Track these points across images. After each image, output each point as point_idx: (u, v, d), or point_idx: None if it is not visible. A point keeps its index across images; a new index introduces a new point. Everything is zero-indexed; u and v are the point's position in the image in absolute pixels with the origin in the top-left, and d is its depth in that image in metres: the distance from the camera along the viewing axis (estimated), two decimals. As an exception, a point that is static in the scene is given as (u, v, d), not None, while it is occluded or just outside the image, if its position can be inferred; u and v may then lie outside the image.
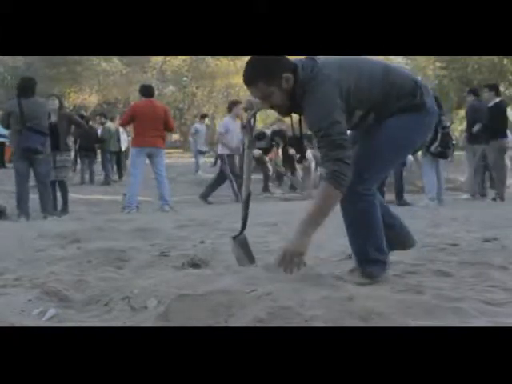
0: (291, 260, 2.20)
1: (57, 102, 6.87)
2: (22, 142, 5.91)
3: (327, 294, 2.00)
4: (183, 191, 9.94)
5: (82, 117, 12.96)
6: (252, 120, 2.69)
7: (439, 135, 7.19)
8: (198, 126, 15.35)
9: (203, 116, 16.36)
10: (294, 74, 2.27)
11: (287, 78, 2.26)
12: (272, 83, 2.25)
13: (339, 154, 2.16)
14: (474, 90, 8.72)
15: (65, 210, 6.77)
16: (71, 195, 8.52)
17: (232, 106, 8.72)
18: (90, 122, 12.79)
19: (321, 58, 2.33)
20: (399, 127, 2.34)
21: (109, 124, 12.80)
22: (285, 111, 2.40)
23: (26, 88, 6.04)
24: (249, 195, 2.60)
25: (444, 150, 7.26)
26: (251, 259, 2.58)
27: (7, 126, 6.21)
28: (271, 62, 2.28)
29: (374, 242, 2.36)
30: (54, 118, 6.58)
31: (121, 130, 12.55)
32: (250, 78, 2.29)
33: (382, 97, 2.32)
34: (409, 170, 8.61)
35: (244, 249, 2.60)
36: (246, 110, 2.70)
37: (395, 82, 2.34)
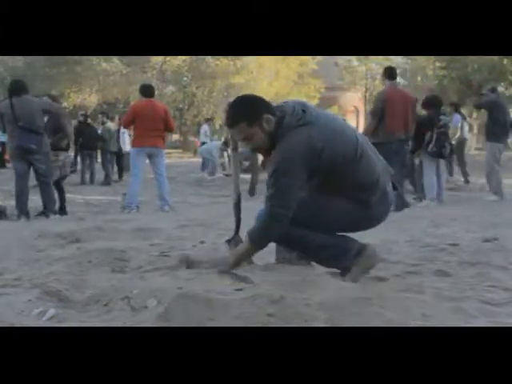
0: None
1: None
2: (15, 141, 5.92)
3: (327, 293, 2.00)
4: (183, 191, 9.93)
5: (84, 115, 13.05)
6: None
7: (434, 135, 7.19)
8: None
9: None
10: (280, 118, 2.34)
11: (267, 118, 2.34)
12: (253, 123, 2.33)
13: (281, 220, 2.30)
14: (495, 89, 8.46)
15: (63, 211, 6.71)
16: (71, 195, 8.53)
17: None
18: (89, 120, 12.79)
19: (314, 115, 2.38)
20: (337, 207, 2.42)
21: (109, 124, 12.79)
22: (266, 153, 2.45)
23: (17, 88, 6.02)
24: (239, 197, 2.63)
25: (440, 150, 7.26)
26: (249, 261, 2.59)
27: (4, 129, 6.20)
28: (251, 102, 2.40)
29: (318, 246, 2.43)
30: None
31: (124, 131, 12.49)
32: (232, 120, 2.38)
33: (343, 180, 2.39)
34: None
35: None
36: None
37: (356, 174, 2.39)
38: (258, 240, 2.37)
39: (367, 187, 2.42)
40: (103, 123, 12.76)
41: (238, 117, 2.35)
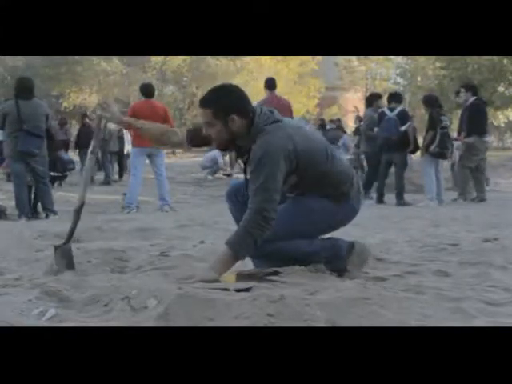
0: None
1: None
2: (18, 145, 5.87)
3: (327, 293, 2.00)
4: (183, 191, 9.94)
5: (85, 115, 13.11)
6: (103, 125, 2.71)
7: (438, 136, 7.19)
8: None
9: None
10: (250, 119, 2.35)
11: (233, 119, 2.34)
12: (218, 117, 2.33)
13: (265, 224, 2.25)
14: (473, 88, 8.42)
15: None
16: (71, 195, 8.52)
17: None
18: (87, 119, 12.83)
19: (280, 116, 2.44)
20: (317, 207, 2.44)
21: (109, 124, 12.80)
22: (219, 145, 2.48)
23: (24, 89, 5.96)
24: (82, 205, 2.61)
25: (442, 151, 7.26)
26: (71, 268, 2.59)
27: (2, 127, 6.14)
28: (229, 96, 2.38)
29: (309, 254, 2.44)
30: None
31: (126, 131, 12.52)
32: (203, 101, 2.38)
33: (317, 177, 2.41)
34: (410, 170, 8.58)
35: (66, 259, 2.60)
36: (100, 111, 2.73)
37: (332, 170, 2.44)
38: (244, 246, 2.28)
39: (346, 181, 2.48)
40: (102, 124, 12.76)
41: (209, 102, 2.35)
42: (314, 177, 2.41)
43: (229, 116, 2.33)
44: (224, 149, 2.58)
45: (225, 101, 2.35)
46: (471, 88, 7.78)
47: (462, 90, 7.88)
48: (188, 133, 2.67)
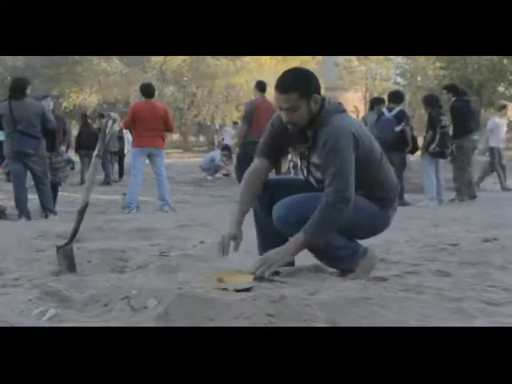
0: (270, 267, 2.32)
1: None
2: (13, 145, 5.89)
3: (327, 293, 2.00)
4: (183, 191, 9.93)
5: (85, 115, 13.10)
6: (108, 129, 2.70)
7: (438, 135, 7.19)
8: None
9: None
10: (321, 103, 2.40)
11: (316, 98, 2.38)
12: (303, 97, 2.35)
13: (343, 206, 2.31)
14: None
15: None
16: (72, 195, 8.52)
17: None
18: (89, 120, 12.83)
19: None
20: (365, 206, 2.46)
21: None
22: (297, 130, 2.44)
23: (16, 89, 5.97)
24: (86, 206, 2.60)
25: (442, 150, 7.25)
26: (72, 270, 2.59)
27: (0, 127, 6.15)
28: (310, 77, 2.43)
29: (337, 246, 2.44)
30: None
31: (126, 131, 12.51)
32: (287, 85, 2.36)
33: (366, 178, 2.43)
34: (409, 170, 8.56)
35: (68, 260, 2.61)
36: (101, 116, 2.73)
37: (380, 175, 2.49)
38: (320, 230, 2.32)
39: (390, 190, 2.52)
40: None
41: (294, 84, 2.35)
42: (363, 176, 2.41)
43: (312, 95, 2.36)
44: (298, 134, 2.49)
45: (308, 81, 2.40)
46: (452, 89, 7.77)
47: (444, 91, 7.93)
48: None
